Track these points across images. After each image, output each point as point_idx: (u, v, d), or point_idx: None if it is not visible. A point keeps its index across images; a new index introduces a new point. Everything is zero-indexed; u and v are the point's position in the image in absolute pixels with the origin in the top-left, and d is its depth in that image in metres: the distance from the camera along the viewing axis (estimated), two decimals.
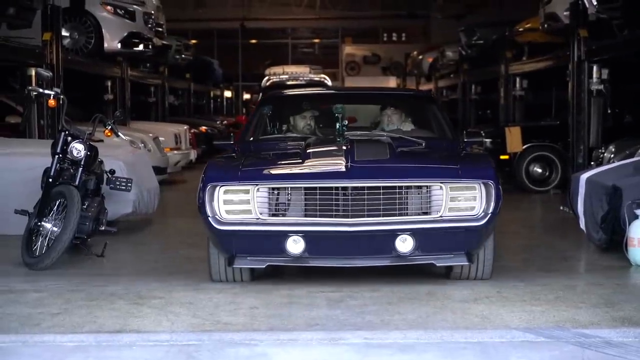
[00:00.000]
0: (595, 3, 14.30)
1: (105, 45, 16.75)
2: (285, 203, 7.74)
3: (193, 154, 20.61)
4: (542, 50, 19.45)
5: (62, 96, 10.10)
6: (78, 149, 9.37)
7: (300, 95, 11.75)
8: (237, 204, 7.63)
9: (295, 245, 7.47)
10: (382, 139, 8.91)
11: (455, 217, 7.57)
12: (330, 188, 7.56)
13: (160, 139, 17.59)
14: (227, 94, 40.09)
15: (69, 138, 9.43)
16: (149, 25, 18.40)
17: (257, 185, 7.60)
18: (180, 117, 25.47)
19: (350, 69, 41.78)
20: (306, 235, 7.47)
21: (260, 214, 7.56)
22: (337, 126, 8.92)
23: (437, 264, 7.75)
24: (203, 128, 24.26)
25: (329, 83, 27.68)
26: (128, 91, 19.72)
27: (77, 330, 6.63)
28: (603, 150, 13.53)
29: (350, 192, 7.51)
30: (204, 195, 7.58)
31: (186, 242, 10.76)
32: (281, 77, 28.08)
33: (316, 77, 28.23)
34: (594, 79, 14.94)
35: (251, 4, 40.17)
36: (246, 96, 44.51)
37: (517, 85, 20.87)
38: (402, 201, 7.62)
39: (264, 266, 7.80)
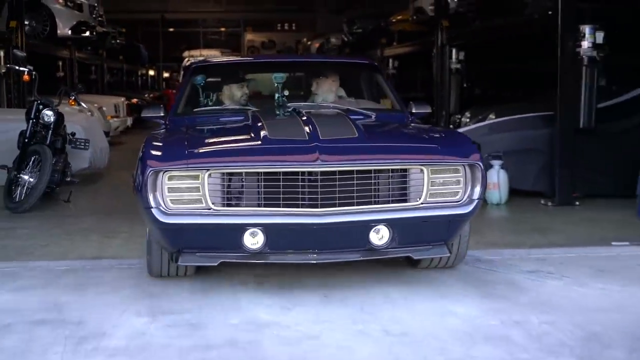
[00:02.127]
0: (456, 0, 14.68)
1: (58, 31, 16.63)
2: (241, 190, 5.23)
3: (129, 121, 20.58)
4: (410, 37, 19.75)
5: (34, 72, 10.12)
6: (49, 115, 9.47)
7: (234, 64, 8.97)
8: (184, 192, 5.16)
9: (253, 240, 5.13)
10: (332, 112, 6.60)
11: (438, 204, 5.33)
12: (296, 173, 5.11)
13: (103, 108, 17.47)
14: (151, 72, 39.94)
15: (41, 106, 9.51)
16: (94, 15, 18.42)
17: (208, 170, 5.12)
18: (116, 91, 25.16)
19: (251, 53, 41.79)
20: (267, 228, 5.12)
21: (213, 203, 5.13)
22: (277, 96, 6.89)
23: (415, 257, 5.52)
24: (134, 100, 24.02)
25: None
26: (76, 70, 19.65)
27: (64, 257, 6.74)
28: (460, 116, 13.87)
29: (319, 177, 5.09)
30: (144, 183, 5.12)
31: None
32: (198, 58, 27.96)
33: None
34: (453, 60, 15.28)
35: (169, 0, 39.84)
36: (166, 74, 44.15)
37: (390, 65, 21.13)
38: (377, 187, 5.27)
39: (216, 263, 5.31)
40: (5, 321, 4.97)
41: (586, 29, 9.41)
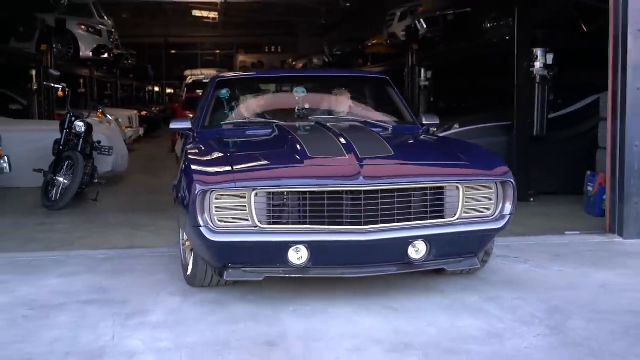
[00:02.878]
0: (425, 26, 14.83)
1: (81, 54, 16.75)
2: (286, 209, 4.71)
3: (141, 131, 20.59)
4: (383, 59, 19.88)
5: (67, 89, 10.22)
6: (80, 125, 9.59)
7: (255, 78, 8.00)
8: (230, 211, 4.65)
9: (298, 255, 4.66)
10: (358, 126, 6.18)
11: (472, 220, 4.89)
12: (340, 192, 4.65)
13: (119, 120, 17.49)
14: (156, 89, 39.91)
15: (73, 118, 9.64)
16: (111, 40, 18.52)
17: (254, 189, 4.62)
18: (128, 105, 25.16)
19: (245, 72, 41.87)
20: (311, 245, 4.65)
21: (259, 221, 4.62)
22: (297, 110, 6.59)
23: (449, 269, 5.14)
24: (144, 112, 23.98)
25: None
26: (95, 87, 19.71)
27: (100, 247, 6.80)
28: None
29: (363, 196, 4.63)
30: (191, 201, 4.61)
31: (152, 190, 10.89)
32: (199, 76, 28.00)
33: None
34: (422, 78, 15.45)
35: (171, 27, 39.70)
36: (169, 90, 44.06)
37: None
38: (417, 204, 4.81)
39: (261, 278, 4.82)
40: (59, 301, 5.07)
41: (538, 52, 9.60)
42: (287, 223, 4.70)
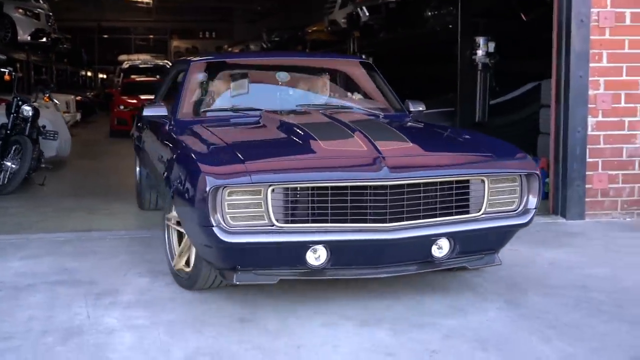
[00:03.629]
0: (367, 14, 15.00)
1: (19, 37, 16.44)
2: (305, 206, 4.17)
3: (78, 116, 20.39)
4: (323, 45, 19.99)
5: (14, 73, 10.09)
6: (27, 110, 9.52)
7: (237, 62, 7.09)
8: (244, 209, 4.11)
9: (316, 255, 4.19)
10: (360, 115, 5.83)
11: (496, 215, 4.51)
12: (364, 187, 4.14)
13: (57, 104, 17.29)
14: (89, 74, 39.34)
15: (20, 102, 9.54)
16: (49, 23, 18.22)
17: (270, 184, 4.08)
18: (62, 90, 24.78)
19: (179, 57, 41.62)
20: (333, 244, 4.17)
21: (277, 220, 4.11)
22: (279, 95, 6.19)
23: (470, 267, 4.69)
24: (79, 97, 23.71)
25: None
26: (32, 71, 19.38)
27: (59, 230, 6.78)
28: None
29: (388, 191, 4.15)
30: (201, 199, 4.04)
31: (98, 175, 10.85)
32: (135, 62, 27.74)
33: (160, 62, 28.07)
34: None
35: (105, 10, 39.13)
36: (102, 75, 43.45)
37: None
38: (443, 199, 4.36)
39: (275, 281, 4.33)
40: (26, 282, 5.08)
41: (480, 40, 9.87)
42: (307, 221, 4.16)
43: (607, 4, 6.95)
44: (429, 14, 12.24)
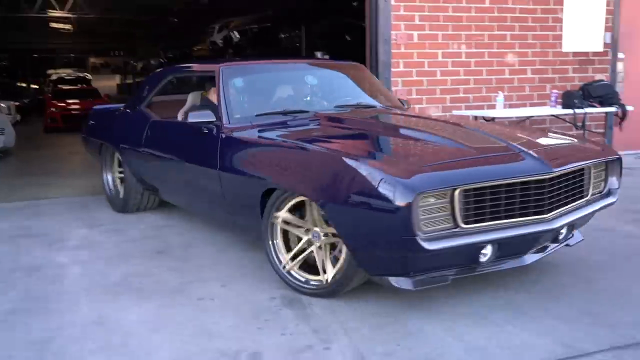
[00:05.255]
0: (237, 36, 15.03)
1: None
2: (484, 205, 3.11)
3: (18, 117, 19.30)
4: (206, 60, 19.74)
5: None
6: None
7: (264, 69, 4.86)
8: (434, 214, 3.00)
9: (485, 252, 3.19)
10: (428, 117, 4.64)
11: (596, 198, 3.75)
12: (529, 182, 3.20)
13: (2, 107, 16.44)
14: (24, 84, 37.07)
15: None
16: None
17: (456, 186, 3.00)
18: (4, 97, 23.34)
19: (95, 71, 39.96)
20: (503, 240, 3.17)
21: (463, 222, 3.05)
22: (307, 99, 4.74)
23: (571, 245, 3.82)
24: (17, 103, 22.38)
25: (90, 77, 26.55)
26: None
27: (10, 200, 6.56)
28: None
29: (548, 184, 3.25)
30: (402, 209, 2.87)
31: (44, 160, 10.46)
32: (61, 74, 26.48)
33: (81, 75, 26.91)
34: None
35: (33, 36, 36.76)
36: (34, 86, 41.07)
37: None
38: (574, 187, 3.54)
39: (448, 282, 3.20)
40: None
41: (318, 54, 10.22)
42: (485, 220, 3.13)
43: (402, 28, 7.42)
44: (282, 36, 12.50)
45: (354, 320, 3.20)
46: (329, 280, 3.43)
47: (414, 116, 4.36)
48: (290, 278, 3.62)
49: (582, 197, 3.60)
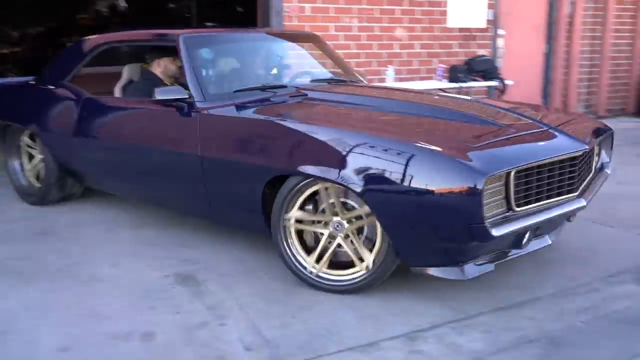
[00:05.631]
0: (125, 4, 14.39)
1: None
2: (534, 186, 2.93)
3: None
4: (92, 30, 18.74)
5: None
6: None
7: (226, 36, 4.17)
8: (492, 198, 2.76)
9: (527, 236, 3.00)
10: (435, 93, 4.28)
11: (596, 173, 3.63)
12: (564, 160, 3.04)
13: None
14: None
15: None
16: None
17: (510, 169, 2.76)
18: None
19: None
20: (545, 221, 3.00)
21: (516, 205, 2.86)
22: (274, 72, 4.36)
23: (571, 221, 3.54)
24: None
25: None
26: None
27: None
28: None
29: (580, 161, 3.12)
30: (471, 195, 2.61)
31: None
32: None
33: None
34: None
35: None
36: None
37: None
38: (590, 163, 3.42)
39: (492, 268, 3.03)
40: None
41: (209, 24, 9.99)
42: (534, 201, 2.96)
43: (294, 0, 7.40)
44: (172, 5, 12.14)
45: (249, 295, 3.21)
46: (369, 267, 3.09)
47: (407, 91, 4.10)
48: (323, 281, 3.21)
49: (589, 173, 3.43)
